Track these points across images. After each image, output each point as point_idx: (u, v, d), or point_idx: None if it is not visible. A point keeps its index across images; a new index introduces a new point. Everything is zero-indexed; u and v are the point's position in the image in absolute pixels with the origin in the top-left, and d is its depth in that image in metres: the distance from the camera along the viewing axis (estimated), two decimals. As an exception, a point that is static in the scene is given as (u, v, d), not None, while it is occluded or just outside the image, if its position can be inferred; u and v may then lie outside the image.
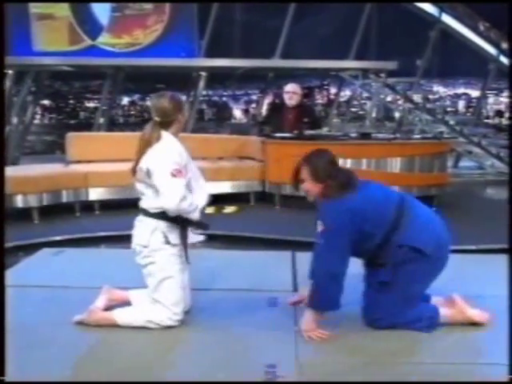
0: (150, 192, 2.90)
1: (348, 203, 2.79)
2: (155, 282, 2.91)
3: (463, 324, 2.91)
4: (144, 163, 2.86)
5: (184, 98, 3.02)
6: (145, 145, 2.88)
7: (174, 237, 2.91)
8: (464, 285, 3.30)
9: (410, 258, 2.79)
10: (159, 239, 2.89)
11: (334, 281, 2.78)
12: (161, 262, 2.90)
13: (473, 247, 4.59)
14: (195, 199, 2.93)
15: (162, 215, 2.87)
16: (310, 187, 2.96)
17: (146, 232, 2.90)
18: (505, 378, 2.35)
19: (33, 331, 2.82)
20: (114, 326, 2.90)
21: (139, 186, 2.95)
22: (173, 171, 2.79)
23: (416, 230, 2.82)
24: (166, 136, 2.91)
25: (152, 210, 2.90)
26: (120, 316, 2.92)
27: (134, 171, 2.92)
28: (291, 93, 6.63)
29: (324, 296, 2.81)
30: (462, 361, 2.60)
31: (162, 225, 2.89)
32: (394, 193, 3.08)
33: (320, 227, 2.79)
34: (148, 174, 2.85)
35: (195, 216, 2.90)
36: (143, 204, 2.95)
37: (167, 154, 2.84)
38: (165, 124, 2.91)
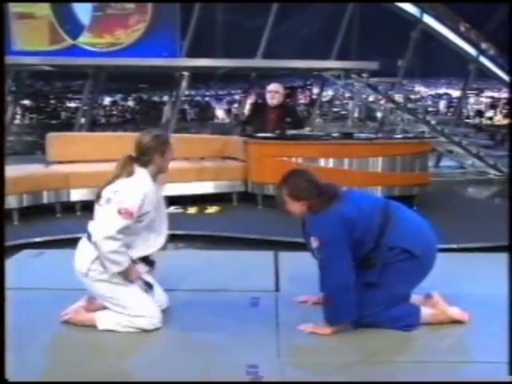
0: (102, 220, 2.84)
1: (337, 213, 2.78)
2: (112, 306, 2.85)
3: (443, 323, 2.92)
4: (108, 192, 2.80)
5: (168, 136, 2.89)
6: (114, 176, 2.82)
7: None
8: (446, 283, 3.32)
9: (399, 259, 2.82)
10: (99, 269, 2.82)
11: (347, 291, 2.77)
12: (104, 289, 2.85)
13: (454, 246, 4.63)
14: (150, 248, 2.89)
15: None
16: (293, 208, 2.92)
17: (85, 260, 2.84)
18: (505, 378, 2.35)
19: (13, 333, 2.79)
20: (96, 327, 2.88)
21: (96, 209, 2.88)
22: (122, 209, 2.71)
23: (404, 231, 2.84)
24: (141, 174, 2.83)
25: (95, 238, 2.83)
26: (102, 319, 2.89)
27: (98, 197, 2.86)
28: (273, 92, 6.64)
29: (341, 308, 2.81)
30: (445, 359, 2.61)
31: None
32: (378, 198, 3.11)
33: (315, 243, 2.78)
34: (107, 201, 2.79)
35: (112, 269, 2.77)
36: (90, 228, 2.88)
37: (129, 190, 2.77)
38: (140, 161, 2.84)
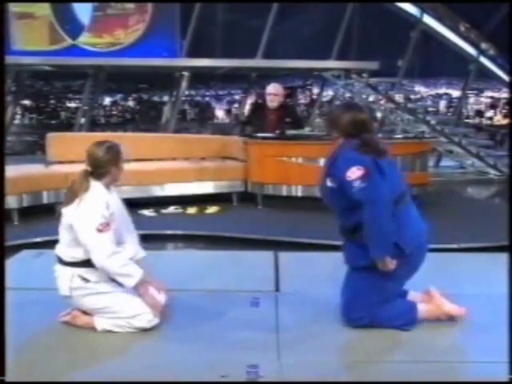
0: (68, 239, 2.85)
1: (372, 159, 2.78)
2: (107, 315, 2.85)
3: (440, 318, 2.93)
4: (69, 217, 2.80)
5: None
6: (72, 195, 2.82)
7: (95, 275, 2.85)
8: (446, 283, 3.32)
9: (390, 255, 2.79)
10: (78, 283, 2.83)
11: (390, 221, 2.74)
12: (92, 303, 2.86)
13: (454, 246, 4.63)
14: (128, 252, 2.90)
15: (76, 264, 2.83)
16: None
17: (64, 283, 2.86)
18: (505, 378, 2.35)
19: (12, 333, 2.78)
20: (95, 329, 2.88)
21: (60, 230, 2.89)
22: (98, 226, 2.72)
23: (404, 226, 2.81)
24: (95, 187, 2.84)
25: (66, 259, 2.86)
26: (100, 321, 2.89)
27: (59, 213, 2.86)
28: (272, 95, 6.64)
29: (389, 240, 2.75)
30: (445, 359, 2.61)
31: (78, 270, 2.84)
32: (404, 182, 3.06)
33: (356, 172, 2.71)
34: (71, 228, 2.79)
35: (130, 283, 2.80)
36: (58, 250, 2.90)
37: (92, 207, 2.77)
38: (96, 175, 2.85)
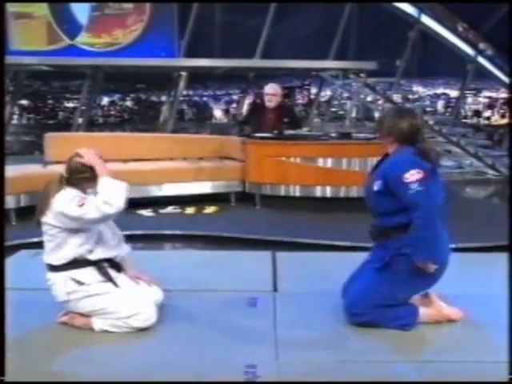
0: (52, 245, 2.85)
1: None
2: (105, 316, 2.87)
3: (439, 322, 2.94)
4: (48, 219, 2.81)
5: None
6: (46, 199, 2.82)
7: (89, 277, 2.86)
8: (446, 283, 3.31)
9: (409, 265, 2.82)
10: (73, 287, 2.85)
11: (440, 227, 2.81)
12: (89, 305, 2.86)
13: (453, 246, 4.62)
14: (107, 252, 2.92)
15: (66, 266, 2.84)
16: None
17: (59, 289, 2.87)
18: (505, 378, 2.36)
19: (12, 333, 2.78)
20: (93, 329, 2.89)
21: (44, 238, 2.90)
22: (78, 203, 2.74)
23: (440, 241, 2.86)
24: (68, 191, 2.84)
25: (55, 263, 2.86)
26: (98, 322, 2.89)
27: (37, 222, 2.87)
28: (270, 95, 6.64)
29: (438, 244, 2.82)
30: (445, 359, 2.61)
31: (70, 273, 2.84)
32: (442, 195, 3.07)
33: (416, 175, 2.75)
34: (53, 226, 2.80)
35: (125, 188, 2.80)
36: (46, 259, 2.90)
37: (65, 196, 2.79)
38: (71, 181, 2.86)
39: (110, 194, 2.74)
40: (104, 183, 2.79)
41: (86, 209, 2.73)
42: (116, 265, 3.00)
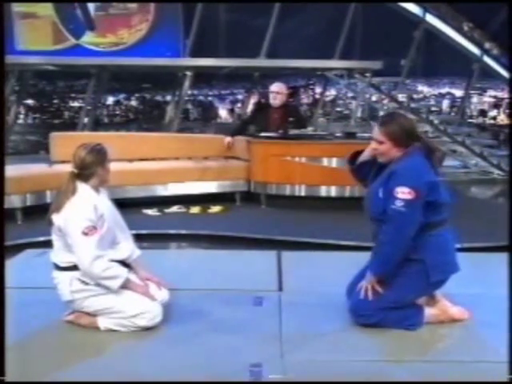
0: (61, 245, 2.86)
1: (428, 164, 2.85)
2: (110, 315, 2.87)
3: (444, 322, 2.94)
4: (57, 219, 2.82)
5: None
6: (62, 197, 2.84)
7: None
8: (446, 283, 3.32)
9: (417, 271, 2.84)
10: (78, 286, 2.85)
11: (404, 252, 2.80)
12: (94, 305, 2.87)
13: (457, 246, 4.61)
14: (119, 254, 2.92)
15: (74, 267, 2.84)
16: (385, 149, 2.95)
17: (64, 288, 2.88)
18: (505, 378, 2.35)
19: (14, 332, 2.80)
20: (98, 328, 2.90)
21: (53, 237, 2.91)
22: (84, 229, 2.74)
23: (449, 253, 2.96)
24: (82, 189, 2.85)
25: (62, 264, 2.87)
26: (104, 321, 2.90)
27: (49, 221, 2.88)
28: (275, 93, 6.64)
29: (392, 266, 2.83)
30: (445, 359, 2.61)
31: (76, 274, 2.85)
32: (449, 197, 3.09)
33: (406, 194, 2.75)
34: (60, 230, 2.82)
35: (114, 285, 2.82)
36: (54, 258, 2.92)
37: (79, 210, 2.78)
38: (82, 176, 2.86)
39: (107, 276, 2.79)
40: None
41: (85, 244, 2.74)
42: (126, 266, 2.99)
